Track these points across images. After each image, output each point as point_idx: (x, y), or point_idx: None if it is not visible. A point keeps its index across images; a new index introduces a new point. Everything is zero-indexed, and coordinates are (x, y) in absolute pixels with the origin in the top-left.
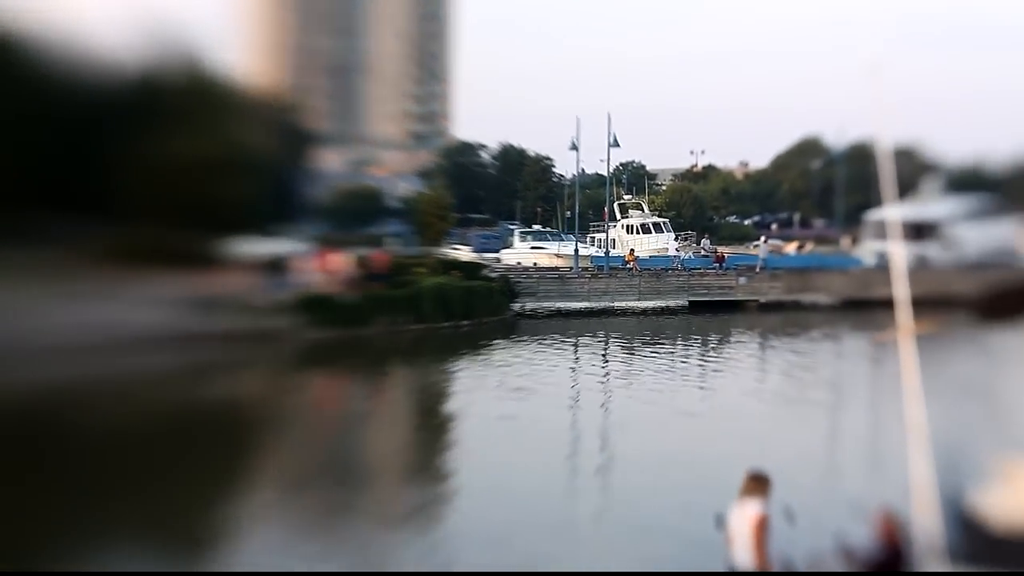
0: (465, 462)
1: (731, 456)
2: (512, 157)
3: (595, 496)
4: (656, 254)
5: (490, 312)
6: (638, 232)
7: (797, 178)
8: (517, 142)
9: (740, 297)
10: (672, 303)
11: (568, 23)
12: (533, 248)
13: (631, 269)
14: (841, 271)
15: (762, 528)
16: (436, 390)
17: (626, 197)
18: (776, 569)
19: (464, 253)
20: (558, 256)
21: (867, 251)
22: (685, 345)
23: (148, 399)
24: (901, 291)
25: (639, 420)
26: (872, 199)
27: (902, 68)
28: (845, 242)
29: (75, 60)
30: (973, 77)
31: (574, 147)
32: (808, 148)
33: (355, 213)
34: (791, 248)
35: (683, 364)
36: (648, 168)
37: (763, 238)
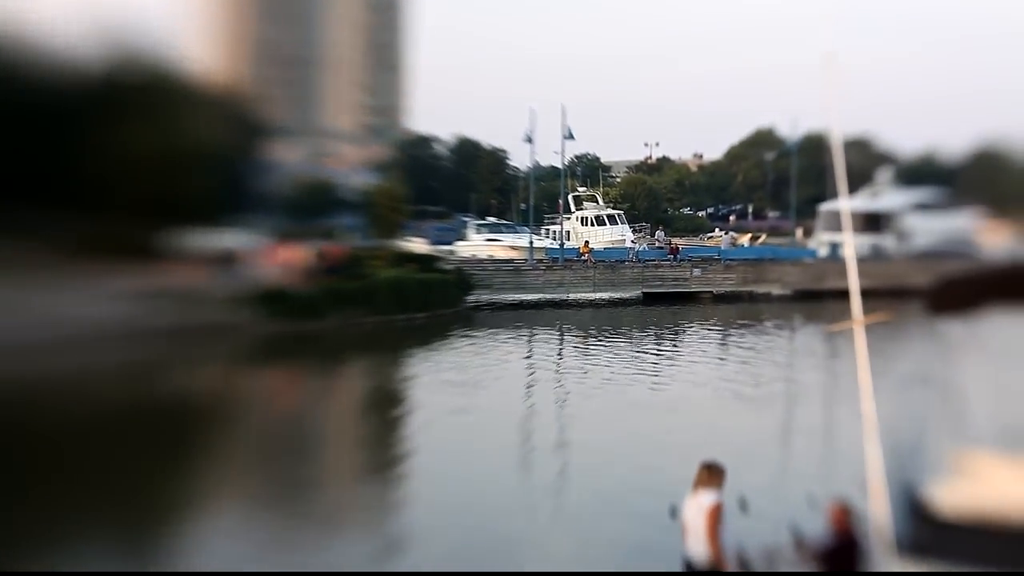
0: (420, 456)
1: (685, 447)
2: (467, 150)
3: (550, 487)
4: (611, 246)
5: (446, 304)
6: (593, 224)
7: (751, 169)
8: (472, 135)
9: (694, 289)
10: (627, 295)
11: (523, 15)
12: (488, 240)
13: (586, 261)
14: (795, 262)
15: (716, 518)
16: (391, 383)
17: (581, 189)
18: (730, 558)
19: (419, 245)
20: (513, 248)
21: (820, 242)
22: (640, 336)
23: (96, 397)
24: (853, 282)
25: (592, 412)
26: (826, 190)
27: (856, 60)
28: (799, 233)
29: (33, 57)
30: (927, 70)
31: (529, 139)
32: (762, 139)
33: (310, 205)
34: (745, 240)
35: (637, 355)
36: (602, 160)
37: (725, 231)
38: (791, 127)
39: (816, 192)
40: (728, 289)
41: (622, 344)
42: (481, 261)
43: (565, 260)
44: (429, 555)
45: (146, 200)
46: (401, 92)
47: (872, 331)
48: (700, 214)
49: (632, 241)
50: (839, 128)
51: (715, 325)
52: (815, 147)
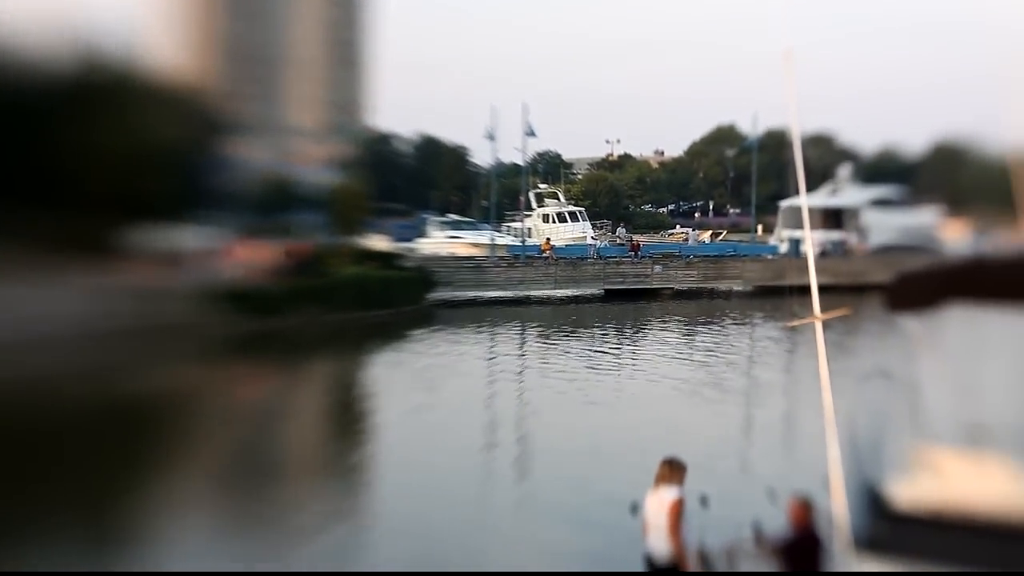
0: (381, 454)
1: (646, 444)
2: (429, 147)
3: (512, 485)
4: (572, 243)
5: (407, 302)
6: (554, 221)
7: (712, 166)
8: (434, 132)
9: (655, 285)
10: (588, 291)
11: (483, 13)
12: (450, 237)
13: (547, 258)
14: (755, 259)
15: (678, 513)
16: (352, 381)
17: (542, 186)
18: (691, 554)
19: (381, 243)
20: (475, 245)
21: (781, 238)
22: (601, 333)
23: (54, 397)
24: (813, 278)
25: (554, 409)
26: (786, 187)
27: (817, 57)
28: (759, 230)
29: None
30: (887, 66)
31: (490, 136)
32: (723, 136)
33: (272, 203)
34: (706, 236)
35: (598, 352)
36: (564, 157)
37: (693, 228)
38: (752, 124)
39: (776, 188)
40: (689, 286)
41: (583, 341)
42: (443, 258)
43: (527, 257)
44: (388, 553)
45: (106, 198)
46: (363, 89)
47: (833, 327)
48: (661, 211)
49: (593, 238)
50: (799, 124)
51: (676, 322)
52: (776, 143)
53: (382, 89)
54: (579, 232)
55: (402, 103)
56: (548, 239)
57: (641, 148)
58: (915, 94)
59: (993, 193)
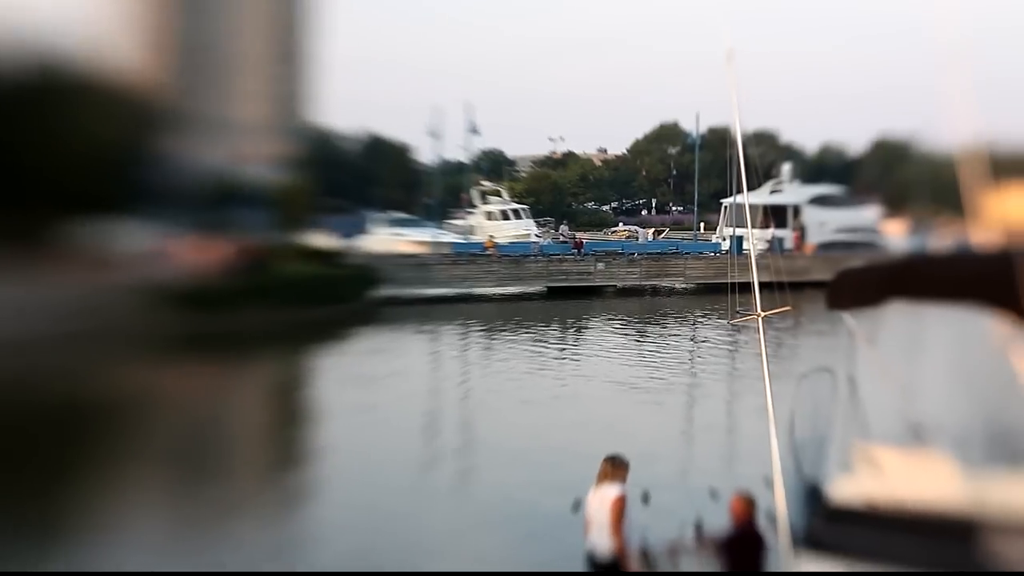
0: (321, 454)
1: (588, 442)
2: (373, 144)
3: (452, 483)
4: (515, 240)
5: (350, 300)
6: (498, 219)
7: (655, 164)
8: (378, 129)
9: (598, 283)
10: (531, 289)
11: (427, 12)
12: (393, 235)
13: (490, 255)
14: (697, 256)
15: (620, 510)
16: (293, 380)
17: (486, 184)
18: (632, 551)
19: (325, 240)
20: (419, 243)
21: (723, 236)
22: (543, 331)
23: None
24: (755, 275)
25: (495, 408)
26: (729, 185)
27: (760, 54)
28: (702, 227)
29: None
30: (829, 65)
31: (433, 134)
32: (666, 134)
33: (215, 200)
34: (649, 234)
35: (541, 350)
36: (508, 155)
37: (640, 227)
38: (695, 121)
39: (719, 186)
40: (631, 283)
41: (526, 339)
42: (386, 256)
43: (470, 255)
44: (330, 554)
45: (44, 194)
46: (307, 86)
47: (775, 324)
48: (604, 208)
49: (537, 236)
50: (741, 123)
51: (618, 319)
52: (718, 141)
53: (328, 86)
54: (522, 230)
55: (347, 100)
56: (491, 237)
57: (585, 146)
58: (856, 95)
59: (932, 191)
